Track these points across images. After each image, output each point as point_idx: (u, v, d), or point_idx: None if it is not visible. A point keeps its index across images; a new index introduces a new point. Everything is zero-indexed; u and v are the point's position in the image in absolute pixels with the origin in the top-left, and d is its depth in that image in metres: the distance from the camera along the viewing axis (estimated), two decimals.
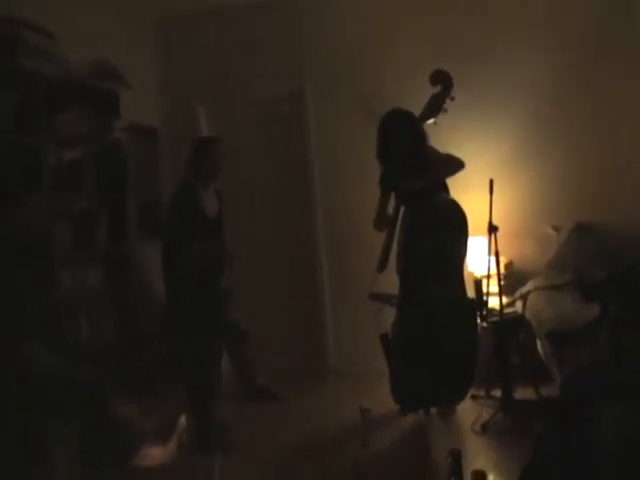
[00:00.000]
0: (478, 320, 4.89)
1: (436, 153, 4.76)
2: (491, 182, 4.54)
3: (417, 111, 4.77)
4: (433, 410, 4.80)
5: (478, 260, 5.39)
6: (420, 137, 4.70)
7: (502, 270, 4.76)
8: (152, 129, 6.28)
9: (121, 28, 5.95)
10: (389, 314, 4.74)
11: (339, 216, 6.19)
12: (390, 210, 4.89)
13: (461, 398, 4.80)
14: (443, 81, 4.76)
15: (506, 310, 4.83)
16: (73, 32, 5.06)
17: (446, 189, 4.77)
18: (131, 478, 3.84)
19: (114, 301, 5.42)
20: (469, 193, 5.13)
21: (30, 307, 3.95)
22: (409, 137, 4.66)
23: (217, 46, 6.52)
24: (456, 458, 1.84)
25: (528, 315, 4.89)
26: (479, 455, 4.12)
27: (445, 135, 5.44)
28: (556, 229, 5.62)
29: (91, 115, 5.27)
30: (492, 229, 4.58)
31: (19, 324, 3.70)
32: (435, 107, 4.77)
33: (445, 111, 4.77)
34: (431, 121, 4.79)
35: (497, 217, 4.59)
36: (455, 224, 4.61)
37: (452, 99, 4.76)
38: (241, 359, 5.24)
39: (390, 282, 4.72)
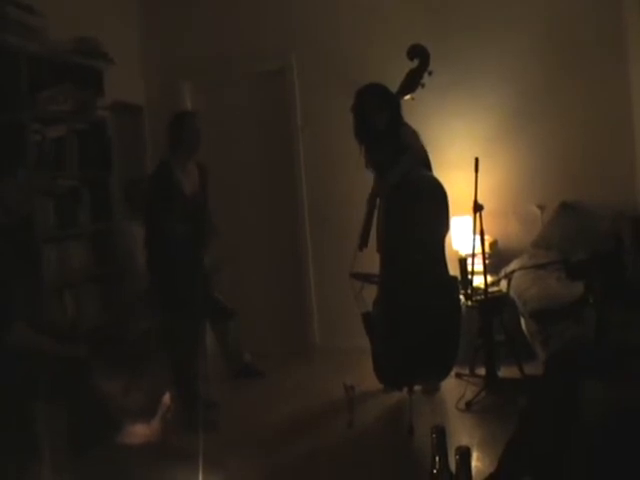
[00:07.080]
0: (462, 298, 4.90)
1: (410, 132, 4.70)
2: (476, 160, 4.52)
3: None
4: (417, 388, 4.78)
5: (463, 239, 5.40)
6: (398, 111, 4.63)
7: (487, 249, 4.76)
8: (137, 107, 6.24)
9: (105, 4, 5.89)
10: (371, 292, 4.72)
11: (324, 195, 6.19)
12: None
13: (444, 375, 4.78)
14: (420, 55, 4.69)
15: (491, 289, 4.84)
16: (57, 8, 5.01)
17: (429, 166, 4.71)
18: (115, 456, 3.83)
19: (99, 279, 5.40)
20: (454, 171, 5.14)
21: (14, 286, 3.92)
22: (387, 112, 4.58)
23: (202, 23, 6.48)
24: (440, 435, 1.84)
25: (513, 294, 4.91)
26: (463, 432, 4.16)
27: (430, 113, 5.45)
28: (541, 208, 5.63)
29: (75, 92, 5.22)
30: (477, 208, 4.57)
31: (4, 304, 3.68)
32: (412, 82, 4.68)
33: (423, 86, 4.71)
34: (408, 97, 4.71)
35: (482, 196, 4.58)
36: (435, 201, 4.54)
37: (430, 74, 4.67)
38: (226, 337, 5.25)
39: (372, 261, 4.68)
